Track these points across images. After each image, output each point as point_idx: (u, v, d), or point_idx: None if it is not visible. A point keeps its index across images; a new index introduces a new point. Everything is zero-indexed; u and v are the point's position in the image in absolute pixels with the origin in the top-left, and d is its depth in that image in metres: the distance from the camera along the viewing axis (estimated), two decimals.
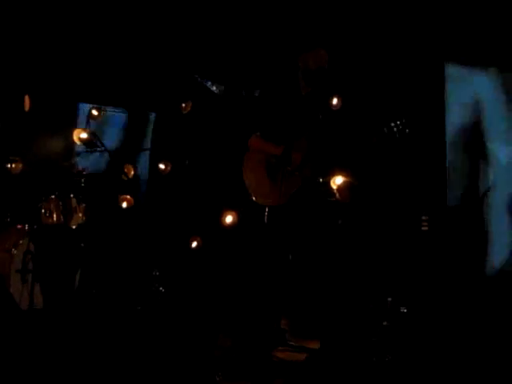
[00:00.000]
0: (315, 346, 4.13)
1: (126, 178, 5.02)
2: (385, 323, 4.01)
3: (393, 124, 3.89)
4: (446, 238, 4.77)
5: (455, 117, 4.89)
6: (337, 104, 4.21)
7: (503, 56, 4.71)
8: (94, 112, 5.02)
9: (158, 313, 4.76)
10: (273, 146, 4.25)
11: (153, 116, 6.00)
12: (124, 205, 5.05)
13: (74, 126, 5.31)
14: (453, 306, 4.41)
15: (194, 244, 4.99)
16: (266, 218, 4.17)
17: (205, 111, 5.52)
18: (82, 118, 5.36)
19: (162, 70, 5.69)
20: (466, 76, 4.86)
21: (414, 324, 4.10)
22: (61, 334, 4.18)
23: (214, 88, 5.64)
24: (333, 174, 4.12)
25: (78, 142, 4.93)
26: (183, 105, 5.20)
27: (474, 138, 4.88)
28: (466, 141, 4.88)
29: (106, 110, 5.31)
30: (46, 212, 4.76)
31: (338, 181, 4.13)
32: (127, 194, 5.08)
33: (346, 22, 4.97)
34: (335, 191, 4.10)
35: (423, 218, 4.73)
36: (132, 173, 5.13)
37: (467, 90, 4.86)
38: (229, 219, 4.57)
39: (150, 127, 6.03)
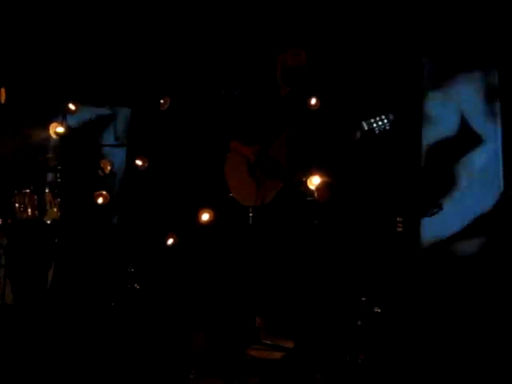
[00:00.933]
0: (289, 344, 4.15)
1: (102, 174, 4.99)
2: (359, 323, 4.04)
3: (373, 120, 3.91)
4: (421, 239, 4.82)
5: (432, 119, 4.94)
6: (315, 104, 4.23)
7: (482, 58, 4.77)
8: (71, 106, 4.98)
9: (132, 310, 4.74)
10: (250, 148, 4.27)
11: (130, 112, 5.96)
12: (100, 200, 5.01)
13: (51, 119, 5.25)
14: (426, 307, 4.46)
15: (170, 241, 4.97)
16: (250, 218, 4.19)
17: (183, 108, 5.50)
18: (58, 112, 5.31)
19: (140, 66, 5.66)
20: (444, 79, 4.91)
21: (387, 324, 4.13)
22: (32, 330, 4.14)
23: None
24: (311, 173, 4.13)
25: (54, 136, 4.89)
26: (161, 101, 5.18)
27: (449, 140, 4.93)
28: (442, 143, 4.93)
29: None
30: (20, 206, 4.71)
31: (315, 181, 4.14)
32: (103, 190, 5.05)
33: (324, 22, 4.99)
34: (313, 191, 4.12)
35: (398, 219, 4.77)
36: (108, 168, 5.10)
37: (444, 94, 4.91)
38: (205, 217, 4.57)
39: (128, 123, 5.98)
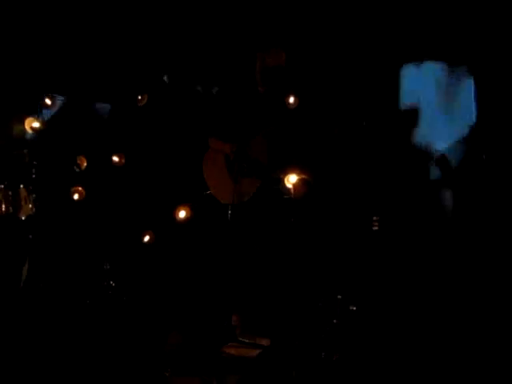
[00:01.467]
0: (266, 342, 4.16)
1: (78, 170, 4.95)
2: (334, 321, 4.07)
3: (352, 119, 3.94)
4: (396, 237, 4.85)
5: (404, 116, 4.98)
6: (293, 103, 4.25)
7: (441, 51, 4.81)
8: (47, 101, 4.94)
9: (107, 307, 4.71)
10: (229, 145, 4.28)
11: (108, 107, 5.91)
12: (75, 197, 4.98)
13: (27, 114, 5.20)
14: (402, 305, 4.49)
15: (147, 238, 4.95)
16: (229, 216, 4.20)
17: (161, 105, 5.48)
18: (34, 107, 5.26)
19: (119, 61, 5.62)
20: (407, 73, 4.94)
21: (363, 322, 4.17)
22: (4, 327, 4.10)
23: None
24: (288, 171, 4.14)
25: (29, 131, 4.84)
26: (139, 97, 5.15)
27: (420, 136, 4.97)
28: (414, 139, 4.97)
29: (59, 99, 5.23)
30: None
31: (292, 179, 4.15)
32: (79, 186, 5.01)
33: (303, 21, 5.00)
34: (290, 189, 4.13)
35: (374, 218, 4.80)
36: (85, 164, 5.06)
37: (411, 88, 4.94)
38: (182, 214, 4.56)
39: (105, 118, 5.94)
